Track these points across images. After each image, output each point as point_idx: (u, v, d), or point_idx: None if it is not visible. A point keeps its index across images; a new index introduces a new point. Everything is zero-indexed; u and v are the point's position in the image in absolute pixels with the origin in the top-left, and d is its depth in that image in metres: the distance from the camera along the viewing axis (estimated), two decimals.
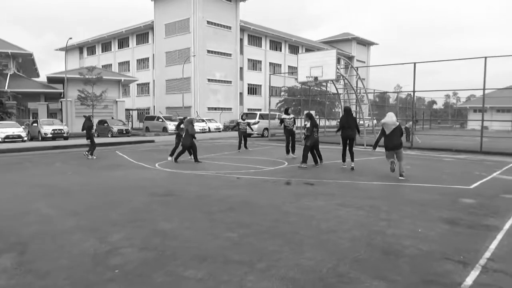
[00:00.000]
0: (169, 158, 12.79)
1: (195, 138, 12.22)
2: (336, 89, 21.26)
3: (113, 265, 3.77)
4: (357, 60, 65.15)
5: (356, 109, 21.03)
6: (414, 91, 18.24)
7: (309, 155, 11.16)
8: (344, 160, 11.10)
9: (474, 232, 4.91)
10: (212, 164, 11.62)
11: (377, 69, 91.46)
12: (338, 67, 18.76)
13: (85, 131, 14.27)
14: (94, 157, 13.67)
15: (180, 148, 12.60)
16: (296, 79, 19.28)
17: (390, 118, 9.24)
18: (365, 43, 69.36)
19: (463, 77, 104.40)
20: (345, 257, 3.97)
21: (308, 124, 11.04)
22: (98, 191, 7.55)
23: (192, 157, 12.42)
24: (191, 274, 3.54)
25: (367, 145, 17.93)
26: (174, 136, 14.17)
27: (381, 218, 5.49)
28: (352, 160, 10.85)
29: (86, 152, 14.02)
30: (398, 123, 9.27)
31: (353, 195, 7.09)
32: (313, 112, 15.76)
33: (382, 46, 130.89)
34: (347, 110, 11.31)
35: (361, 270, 3.63)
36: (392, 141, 9.08)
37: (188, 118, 13.44)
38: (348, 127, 10.81)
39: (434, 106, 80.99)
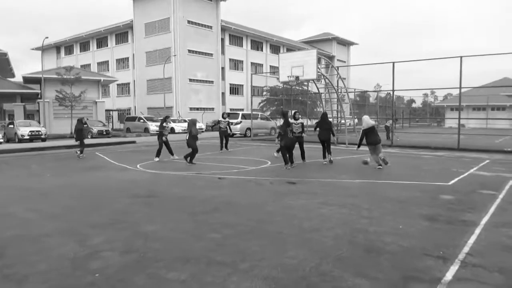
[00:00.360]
0: (156, 159, 12.68)
1: (197, 139, 12.06)
2: (317, 89, 21.43)
3: (93, 269, 3.69)
4: (338, 60, 65.88)
5: (337, 108, 21.26)
6: (393, 90, 18.56)
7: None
8: (324, 157, 11.97)
9: (453, 227, 5.02)
10: (196, 165, 11.53)
11: (357, 68, 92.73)
12: (319, 66, 18.92)
13: (75, 132, 15.07)
14: (84, 156, 14.36)
15: (180, 149, 12.77)
16: (278, 78, 19.34)
17: (367, 123, 10.98)
18: (345, 43, 70.16)
19: (440, 77, 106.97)
20: (328, 256, 3.99)
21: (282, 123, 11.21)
22: (77, 193, 7.39)
23: (174, 157, 12.32)
24: (174, 276, 3.51)
25: (348, 144, 18.15)
26: (156, 136, 14.03)
27: (362, 216, 5.56)
28: (329, 153, 11.86)
29: (78, 152, 14.56)
30: (373, 124, 11.14)
31: (335, 194, 7.16)
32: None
33: (362, 46, 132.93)
34: (324, 116, 12.25)
35: (343, 268, 3.66)
36: (371, 138, 10.81)
37: (191, 118, 13.52)
38: (325, 130, 11.80)
39: (413, 105, 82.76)
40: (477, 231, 4.84)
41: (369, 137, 10.78)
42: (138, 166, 11.29)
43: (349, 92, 32.28)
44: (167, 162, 12.40)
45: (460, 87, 16.52)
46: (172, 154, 13.24)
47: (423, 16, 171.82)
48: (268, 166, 11.14)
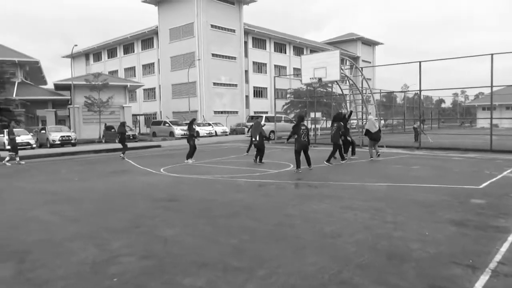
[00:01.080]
0: (190, 161, 13.07)
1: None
2: (341, 90, 21.11)
3: (111, 273, 3.70)
4: (363, 61, 64.87)
5: (362, 109, 20.86)
6: (420, 90, 18.03)
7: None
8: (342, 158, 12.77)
9: (483, 234, 4.76)
10: (217, 168, 11.55)
11: (383, 69, 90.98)
12: (343, 67, 18.62)
13: (118, 135, 16.54)
14: (125, 158, 15.48)
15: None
16: (301, 80, 19.18)
17: (372, 124, 13.16)
18: (370, 43, 69.03)
19: (471, 75, 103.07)
20: (349, 262, 3.85)
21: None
22: (101, 198, 7.52)
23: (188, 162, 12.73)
24: (190, 282, 3.46)
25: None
26: (185, 140, 14.47)
27: (387, 221, 5.36)
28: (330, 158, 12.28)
29: (122, 155, 15.83)
30: (377, 128, 13.27)
31: (359, 197, 6.97)
32: (318, 114, 15.96)
33: (388, 45, 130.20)
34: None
35: (364, 276, 3.52)
36: (377, 135, 13.19)
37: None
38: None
39: (442, 105, 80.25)
40: (510, 238, 4.56)
41: (376, 133, 13.07)
42: (161, 170, 11.41)
43: (374, 93, 31.58)
44: (191, 166, 12.48)
45: (492, 86, 15.84)
46: (187, 158, 13.38)
47: (452, 10, 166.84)
48: (290, 169, 11.01)
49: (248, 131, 19.07)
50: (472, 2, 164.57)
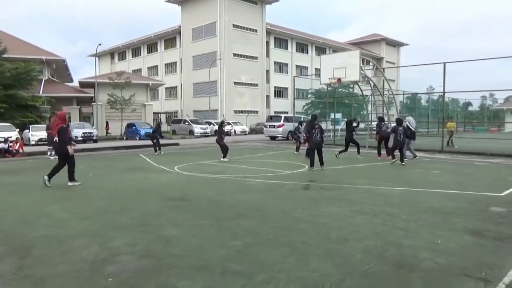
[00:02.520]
0: (226, 159, 13.40)
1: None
2: (361, 91, 20.70)
3: (109, 273, 3.66)
4: (387, 61, 63.73)
5: (383, 111, 20.40)
6: (444, 92, 17.48)
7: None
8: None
9: (500, 245, 4.48)
10: (231, 168, 11.49)
11: (408, 70, 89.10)
12: (363, 68, 18.25)
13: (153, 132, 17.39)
14: (162, 153, 16.64)
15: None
16: (320, 81, 18.90)
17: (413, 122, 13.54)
18: (395, 44, 67.75)
19: (500, 78, 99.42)
20: (353, 270, 3.68)
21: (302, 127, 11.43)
22: (113, 195, 7.56)
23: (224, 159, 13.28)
24: (185, 285, 3.37)
25: None
26: (203, 138, 14.64)
27: (398, 227, 5.14)
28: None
29: (159, 151, 16.79)
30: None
31: (371, 202, 6.74)
32: (342, 115, 16.54)
33: (414, 46, 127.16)
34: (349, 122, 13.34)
35: (368, 285, 3.34)
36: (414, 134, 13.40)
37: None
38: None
39: (470, 108, 77.71)
40: None
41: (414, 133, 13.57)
42: (175, 168, 11.43)
43: (396, 94, 30.89)
44: (205, 164, 12.46)
45: None
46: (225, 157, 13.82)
47: (478, 12, 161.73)
48: (304, 171, 10.83)
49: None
50: (504, 2, 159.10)
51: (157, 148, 16.83)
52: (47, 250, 4.33)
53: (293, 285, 3.36)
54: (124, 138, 30.20)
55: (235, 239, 4.65)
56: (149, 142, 18.20)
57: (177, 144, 23.10)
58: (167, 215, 5.85)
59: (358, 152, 14.36)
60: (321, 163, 11.01)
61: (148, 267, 3.79)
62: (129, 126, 30.46)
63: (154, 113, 41.02)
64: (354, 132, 14.17)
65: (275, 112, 43.56)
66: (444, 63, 16.79)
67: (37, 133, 23.15)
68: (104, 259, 4.01)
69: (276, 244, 4.50)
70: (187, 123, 34.99)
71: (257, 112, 46.28)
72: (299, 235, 4.82)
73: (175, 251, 4.26)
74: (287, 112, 45.38)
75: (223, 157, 13.55)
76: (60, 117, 8.95)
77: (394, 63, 65.50)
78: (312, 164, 10.76)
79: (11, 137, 18.47)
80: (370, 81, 19.20)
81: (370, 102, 23.66)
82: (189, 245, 4.46)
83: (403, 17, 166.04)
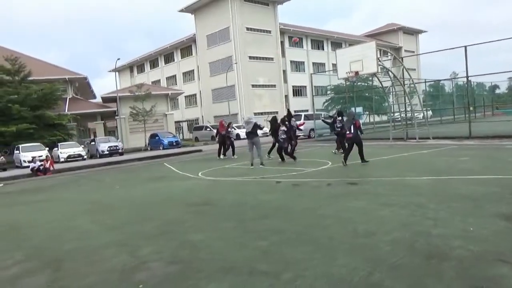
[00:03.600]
0: (235, 156, 15.03)
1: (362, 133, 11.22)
2: (381, 83, 20.32)
3: (138, 280, 3.71)
4: (405, 51, 62.35)
5: (404, 101, 19.97)
6: (467, 77, 16.93)
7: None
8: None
9: None
10: (255, 169, 11.48)
11: (429, 57, 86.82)
12: (381, 59, 17.93)
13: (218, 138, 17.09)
14: (235, 157, 15.81)
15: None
16: (337, 76, 18.68)
17: None
18: (413, 32, 66.28)
19: None
20: (382, 263, 3.60)
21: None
22: (139, 205, 7.69)
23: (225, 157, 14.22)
24: (214, 287, 3.38)
25: (419, 138, 16.93)
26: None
27: (427, 217, 4.99)
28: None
29: (233, 155, 15.98)
30: None
31: (398, 193, 6.59)
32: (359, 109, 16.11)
33: (434, 32, 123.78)
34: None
35: (397, 278, 3.26)
36: None
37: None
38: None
39: (497, 91, 74.87)
40: None
41: None
42: (199, 174, 11.54)
43: (418, 83, 30.11)
44: (228, 168, 12.52)
45: None
46: (232, 155, 15.43)
47: None
48: (328, 167, 10.71)
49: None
50: None
51: (231, 152, 16.02)
52: (77, 262, 4.44)
53: (320, 282, 3.31)
54: (148, 149, 30.76)
55: (260, 240, 4.63)
56: (174, 151, 18.47)
57: (200, 151, 23.32)
58: (191, 221, 5.90)
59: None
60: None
61: (177, 272, 3.83)
62: (152, 136, 31.01)
63: (175, 122, 41.60)
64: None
65: (295, 111, 43.28)
66: (465, 46, 16.29)
67: (65, 150, 23.91)
68: (133, 267, 4.08)
69: (301, 241, 4.45)
70: (208, 129, 35.29)
71: (277, 112, 46.11)
72: (325, 232, 4.76)
73: (201, 255, 4.29)
74: (307, 110, 45.14)
75: (233, 155, 15.53)
76: None
77: (413, 52, 64.05)
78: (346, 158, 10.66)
79: (41, 156, 19.13)
80: (389, 72, 18.83)
81: (391, 93, 23.22)
82: (215, 248, 4.48)
83: (421, 4, 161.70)
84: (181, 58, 53.64)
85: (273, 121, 13.56)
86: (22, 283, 3.95)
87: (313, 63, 51.72)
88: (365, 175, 8.81)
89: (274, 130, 13.25)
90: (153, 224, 5.91)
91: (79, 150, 24.65)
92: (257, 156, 12.22)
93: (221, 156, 15.96)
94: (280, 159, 12.66)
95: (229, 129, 15.97)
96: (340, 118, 13.34)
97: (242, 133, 33.89)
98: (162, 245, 4.79)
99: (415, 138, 17.01)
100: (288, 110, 13.89)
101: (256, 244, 4.50)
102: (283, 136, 12.41)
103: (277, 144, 13.18)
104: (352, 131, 10.51)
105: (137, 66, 63.57)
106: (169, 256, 4.33)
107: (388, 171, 9.28)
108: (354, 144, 10.63)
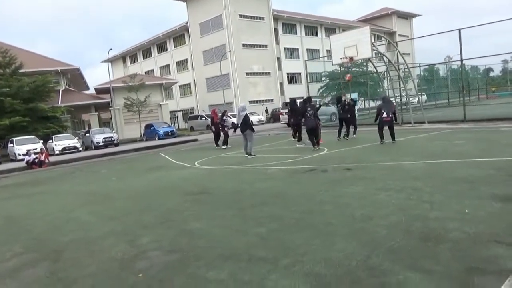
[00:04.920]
0: (227, 147, 14.94)
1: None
2: (375, 68, 20.29)
3: (138, 269, 3.74)
4: (400, 35, 62.11)
5: (399, 85, 19.97)
6: (461, 60, 16.94)
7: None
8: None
9: None
10: (251, 157, 11.49)
11: (423, 41, 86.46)
12: (375, 44, 17.86)
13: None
14: (228, 147, 15.46)
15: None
16: (332, 62, 18.61)
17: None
18: (407, 16, 65.94)
19: None
20: (379, 247, 3.64)
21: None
22: (136, 195, 7.69)
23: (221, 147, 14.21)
24: (213, 275, 3.41)
25: (414, 123, 16.99)
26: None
27: (423, 200, 5.04)
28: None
29: (222, 145, 15.63)
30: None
31: (394, 178, 6.64)
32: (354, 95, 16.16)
33: (428, 15, 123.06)
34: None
35: (395, 261, 3.30)
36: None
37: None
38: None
39: (491, 74, 74.97)
40: None
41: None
42: (196, 163, 11.54)
43: (413, 67, 30.03)
44: (225, 157, 12.52)
45: None
46: (222, 145, 15.40)
47: None
48: (324, 153, 10.75)
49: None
50: None
51: (222, 141, 15.60)
52: (77, 253, 4.45)
53: (319, 266, 3.35)
54: (144, 139, 30.65)
55: (259, 226, 4.66)
56: (169, 140, 18.34)
57: (196, 140, 23.28)
58: (189, 210, 5.92)
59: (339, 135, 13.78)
60: (313, 143, 11.69)
61: (176, 261, 3.85)
62: (148, 127, 30.86)
63: (170, 111, 41.39)
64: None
65: (289, 99, 43.22)
66: (459, 30, 16.24)
67: (60, 142, 23.76)
68: (132, 257, 4.10)
69: (299, 227, 4.49)
70: (203, 118, 35.17)
71: (272, 100, 46.07)
72: (323, 217, 4.79)
73: (200, 243, 4.31)
74: (302, 97, 45.05)
75: (224, 145, 15.39)
76: None
77: (407, 36, 63.79)
78: (381, 138, 11.56)
79: (35, 149, 19.01)
80: (384, 57, 18.78)
81: (385, 78, 23.20)
82: (214, 236, 4.51)
83: None
84: (174, 47, 53.14)
85: (293, 103, 14.33)
86: (22, 274, 3.96)
87: (307, 50, 51.43)
88: (361, 161, 8.85)
89: (299, 112, 13.27)
90: (151, 213, 5.93)
91: (74, 142, 24.50)
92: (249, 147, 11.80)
93: (220, 144, 15.85)
94: (312, 144, 11.86)
95: (224, 118, 15.80)
96: (339, 104, 13.70)
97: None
98: (161, 234, 4.81)
99: (410, 123, 17.06)
100: (309, 97, 14.01)
101: (254, 231, 4.53)
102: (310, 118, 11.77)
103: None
104: (390, 115, 11.32)
105: (130, 56, 62.92)
106: (168, 245, 4.36)
107: (384, 156, 9.33)
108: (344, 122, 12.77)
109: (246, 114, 11.70)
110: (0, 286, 3.72)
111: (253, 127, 11.87)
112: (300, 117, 12.97)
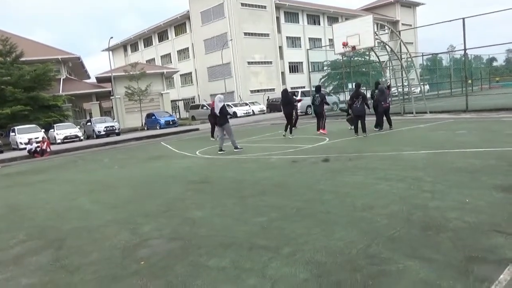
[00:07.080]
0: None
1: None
2: (378, 57, 20.14)
3: (140, 257, 3.77)
4: (403, 24, 61.48)
5: (402, 75, 19.86)
6: (465, 50, 16.80)
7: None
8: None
9: None
10: (252, 147, 11.51)
11: (426, 31, 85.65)
12: (378, 33, 17.70)
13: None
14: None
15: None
16: (334, 51, 18.47)
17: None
18: (410, 5, 65.18)
19: None
20: (379, 236, 3.66)
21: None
22: (138, 184, 7.73)
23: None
24: (214, 263, 3.44)
25: (416, 113, 16.94)
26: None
27: (424, 190, 5.05)
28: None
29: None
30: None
31: (395, 167, 6.64)
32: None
33: (432, 4, 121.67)
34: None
35: (395, 250, 3.32)
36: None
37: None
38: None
39: (494, 64, 74.34)
40: None
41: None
42: (197, 152, 11.56)
43: (416, 56, 29.78)
44: (225, 146, 12.52)
45: None
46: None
47: None
48: (325, 143, 10.74)
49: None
50: None
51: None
52: (79, 241, 4.49)
53: (319, 255, 3.37)
54: (145, 128, 30.67)
55: (260, 215, 4.69)
56: (170, 130, 18.36)
57: (197, 129, 23.29)
58: (191, 198, 5.95)
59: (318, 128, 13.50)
60: (363, 130, 11.52)
61: (178, 249, 3.88)
62: (149, 116, 30.86)
63: (171, 101, 41.31)
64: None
65: (291, 88, 43.07)
66: (463, 19, 16.09)
67: (62, 131, 23.81)
68: (134, 245, 4.14)
69: (300, 217, 4.51)
70: (205, 107, 35.12)
71: (273, 90, 45.90)
72: (323, 206, 4.81)
73: (202, 231, 4.34)
74: (304, 87, 44.86)
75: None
76: None
77: (410, 25, 63.18)
78: (355, 131, 11.63)
79: (37, 138, 19.05)
80: (387, 46, 18.64)
81: (388, 68, 23.06)
82: (215, 225, 4.54)
83: None
84: (175, 36, 52.80)
85: (285, 93, 13.48)
86: (25, 262, 4.00)
87: (310, 39, 51.03)
88: (362, 150, 8.85)
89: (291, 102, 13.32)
90: (153, 202, 5.96)
91: (76, 131, 24.56)
92: (228, 141, 11.33)
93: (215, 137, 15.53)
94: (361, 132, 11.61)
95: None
96: (317, 94, 13.68)
97: (239, 111, 33.86)
98: (163, 222, 4.84)
99: (412, 113, 17.00)
100: (318, 85, 14.01)
101: (255, 220, 4.55)
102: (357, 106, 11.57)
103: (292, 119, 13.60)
104: (388, 102, 12.36)
105: (131, 44, 62.57)
106: (170, 233, 4.39)
107: (385, 145, 9.32)
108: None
109: (224, 105, 10.97)
110: (5, 273, 3.76)
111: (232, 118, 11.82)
112: (295, 107, 13.29)
